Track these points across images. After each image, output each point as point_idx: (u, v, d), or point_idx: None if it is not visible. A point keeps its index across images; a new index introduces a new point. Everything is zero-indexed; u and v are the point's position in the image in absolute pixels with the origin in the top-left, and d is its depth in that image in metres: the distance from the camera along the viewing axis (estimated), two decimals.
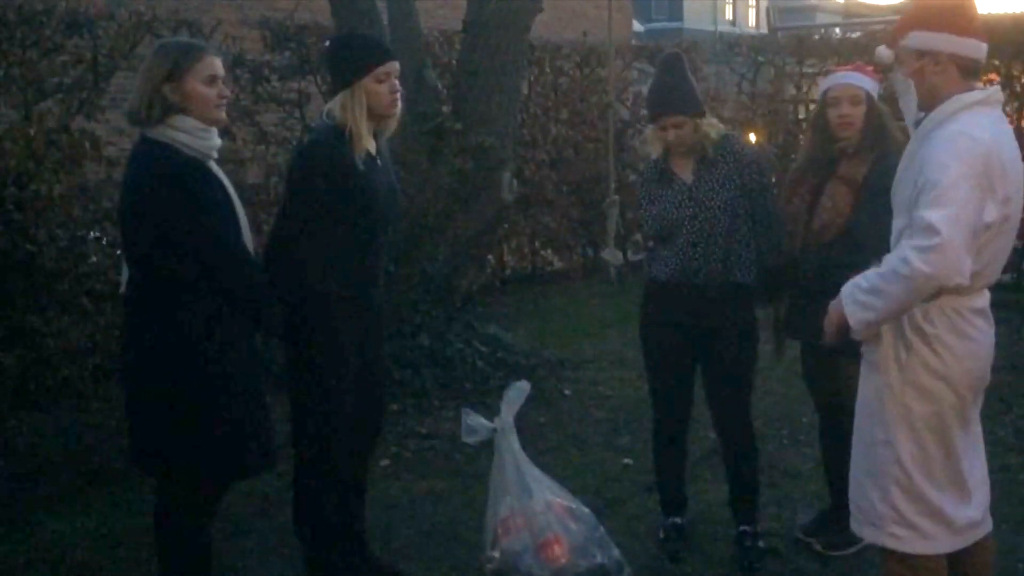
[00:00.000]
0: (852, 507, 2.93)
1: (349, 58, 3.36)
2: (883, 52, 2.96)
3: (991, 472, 4.59)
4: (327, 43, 3.58)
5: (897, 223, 2.81)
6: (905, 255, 2.55)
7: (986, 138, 2.65)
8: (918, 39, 2.76)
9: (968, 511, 2.83)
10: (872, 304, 2.66)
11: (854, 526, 2.95)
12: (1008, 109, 8.69)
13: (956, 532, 2.81)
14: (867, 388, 2.85)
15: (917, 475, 2.77)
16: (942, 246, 2.51)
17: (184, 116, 2.93)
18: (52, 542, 4.07)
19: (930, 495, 2.77)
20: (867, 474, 2.83)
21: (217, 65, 3.00)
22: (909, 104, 2.88)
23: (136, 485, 4.39)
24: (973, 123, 2.67)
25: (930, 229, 2.52)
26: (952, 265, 2.53)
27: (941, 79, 2.75)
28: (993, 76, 8.63)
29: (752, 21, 48.42)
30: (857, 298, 2.69)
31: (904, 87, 2.89)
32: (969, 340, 2.76)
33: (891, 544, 2.81)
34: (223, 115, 3.03)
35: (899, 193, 2.79)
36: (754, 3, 49.83)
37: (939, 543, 2.80)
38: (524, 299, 8.58)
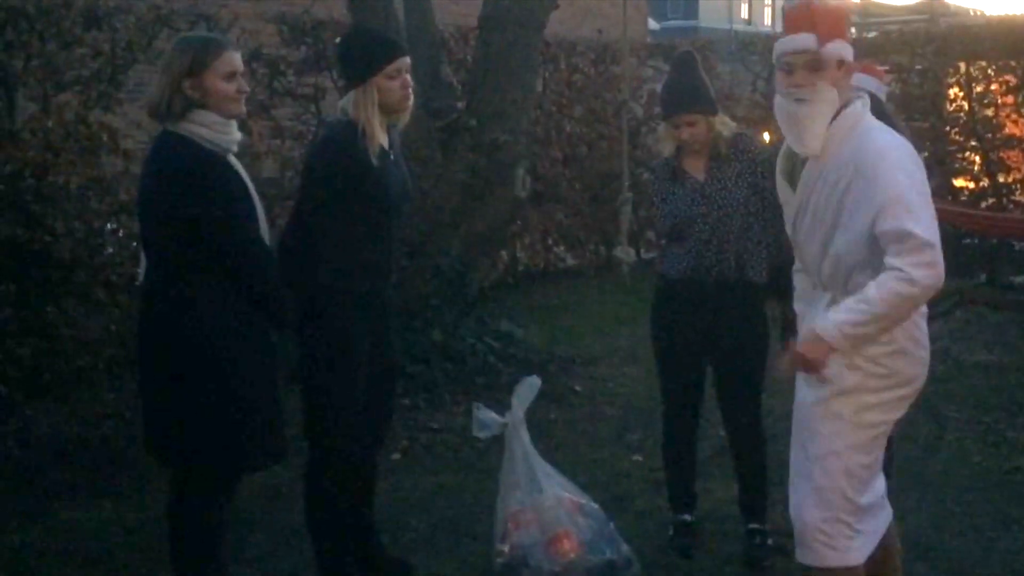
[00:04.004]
0: (808, 539, 2.79)
1: (360, 55, 3.37)
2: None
3: (1002, 474, 4.63)
4: (339, 40, 3.59)
5: (845, 237, 2.72)
6: (909, 275, 2.55)
7: (898, 136, 2.79)
8: (840, 48, 2.72)
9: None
10: (869, 333, 2.63)
11: (808, 558, 2.82)
12: None
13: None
14: (824, 409, 2.75)
15: (862, 485, 2.76)
16: (935, 255, 2.56)
17: (204, 111, 2.95)
18: (67, 531, 4.10)
19: (866, 501, 2.79)
20: (816, 495, 2.75)
21: (236, 60, 3.02)
22: (817, 119, 2.71)
23: (151, 475, 4.42)
24: (882, 128, 2.75)
25: (923, 243, 2.55)
26: (942, 271, 2.59)
27: (846, 86, 2.77)
28: (1009, 77, 8.61)
29: (768, 20, 48.28)
30: (848, 332, 2.63)
31: (820, 96, 2.70)
32: (924, 349, 2.82)
33: (853, 560, 2.77)
34: (242, 109, 3.05)
35: (837, 209, 2.72)
36: (770, 2, 49.67)
37: (872, 539, 2.82)
38: (536, 295, 8.59)
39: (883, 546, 2.89)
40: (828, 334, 2.64)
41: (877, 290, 2.59)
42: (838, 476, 2.74)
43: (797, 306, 3.06)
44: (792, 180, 2.88)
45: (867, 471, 2.79)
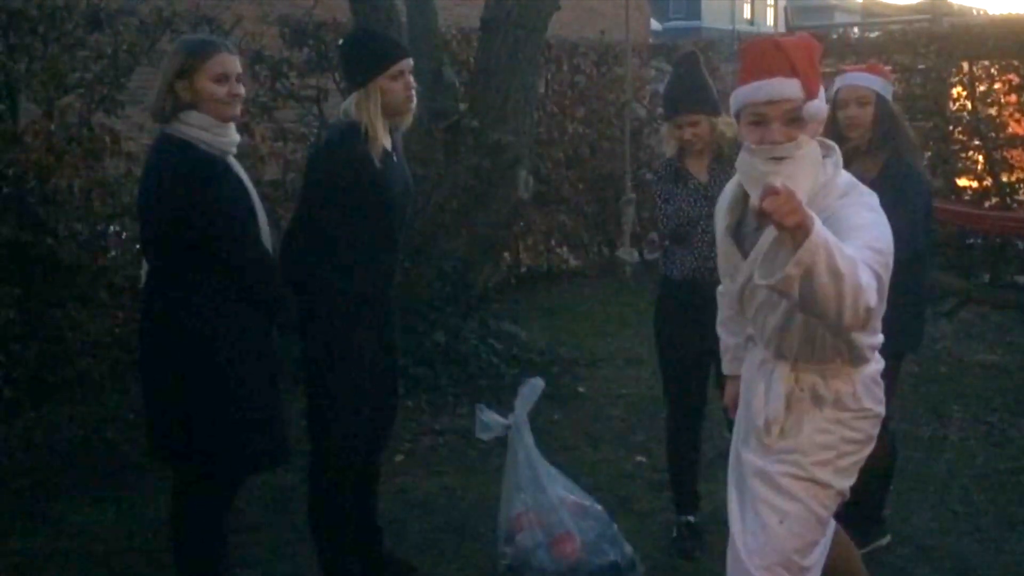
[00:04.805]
0: None
1: (363, 57, 3.37)
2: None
3: (1006, 475, 4.63)
4: (341, 42, 3.60)
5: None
6: (871, 285, 2.14)
7: (874, 208, 2.44)
8: (822, 105, 2.42)
9: None
10: (822, 266, 2.03)
11: None
12: None
13: None
14: (794, 479, 2.54)
15: (814, 551, 2.60)
16: (875, 321, 2.41)
17: (195, 113, 2.95)
18: (70, 533, 4.11)
19: (811, 561, 2.62)
20: (778, 571, 2.55)
21: (229, 63, 3.00)
22: (802, 180, 2.29)
23: (154, 478, 4.43)
24: (860, 200, 2.42)
25: (872, 309, 2.19)
26: (876, 326, 2.45)
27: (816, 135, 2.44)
28: (1011, 77, 8.60)
29: (770, 20, 48.30)
30: (825, 241, 2.03)
31: (803, 153, 2.31)
32: (882, 406, 2.64)
33: None
34: (235, 111, 3.03)
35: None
36: (772, 2, 49.67)
37: None
38: (539, 297, 8.59)
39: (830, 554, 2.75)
40: (815, 223, 2.02)
41: (854, 254, 2.13)
42: (792, 554, 2.53)
43: (734, 356, 2.91)
44: (738, 238, 2.56)
45: (823, 538, 2.61)
